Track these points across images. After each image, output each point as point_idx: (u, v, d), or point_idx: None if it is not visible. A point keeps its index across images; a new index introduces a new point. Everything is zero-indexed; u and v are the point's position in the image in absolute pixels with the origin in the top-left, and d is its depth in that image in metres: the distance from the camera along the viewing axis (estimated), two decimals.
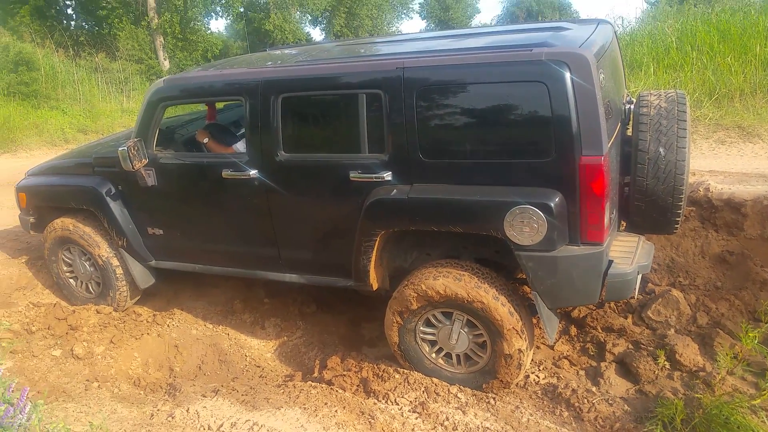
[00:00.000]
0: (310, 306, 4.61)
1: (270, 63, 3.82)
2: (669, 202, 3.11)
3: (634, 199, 3.19)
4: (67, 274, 4.63)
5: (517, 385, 3.39)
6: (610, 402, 3.13)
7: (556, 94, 2.72)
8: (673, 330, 3.59)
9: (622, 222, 3.47)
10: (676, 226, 3.26)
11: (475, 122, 2.99)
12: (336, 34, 25.65)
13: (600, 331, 3.77)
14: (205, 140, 4.05)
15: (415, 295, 3.24)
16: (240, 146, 4.31)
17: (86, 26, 19.99)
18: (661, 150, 3.05)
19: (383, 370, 3.49)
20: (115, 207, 4.10)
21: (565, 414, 3.12)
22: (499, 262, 3.36)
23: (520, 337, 3.10)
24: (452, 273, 3.19)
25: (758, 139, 6.05)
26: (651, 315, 3.72)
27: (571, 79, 2.70)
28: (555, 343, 3.77)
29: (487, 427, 2.98)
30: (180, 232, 4.06)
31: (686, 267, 4.02)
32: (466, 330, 3.26)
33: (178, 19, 17.56)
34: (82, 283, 4.61)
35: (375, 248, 3.29)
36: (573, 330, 3.86)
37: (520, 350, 3.12)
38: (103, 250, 4.29)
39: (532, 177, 2.87)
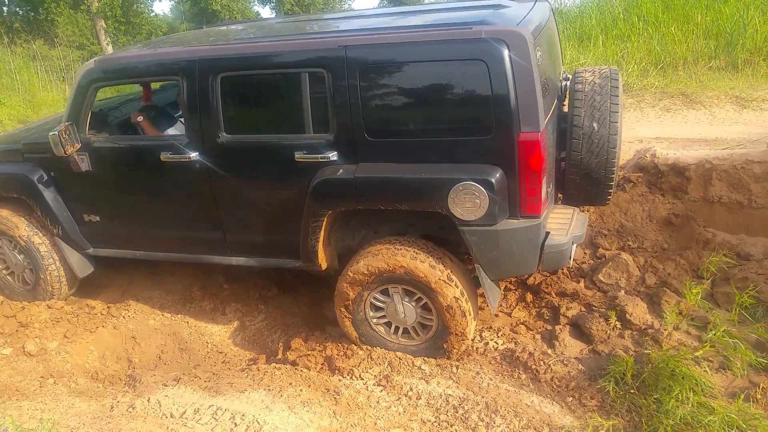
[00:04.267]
0: (271, 289, 4.57)
1: (210, 40, 3.70)
2: (602, 174, 3.23)
3: (570, 173, 3.29)
4: (4, 271, 4.42)
5: (477, 351, 3.47)
6: (565, 363, 3.25)
7: (495, 71, 2.75)
8: (623, 291, 3.73)
9: (559, 195, 3.57)
10: (609, 197, 3.39)
11: (417, 101, 2.99)
12: (286, 13, 25.05)
13: (554, 296, 3.89)
14: (140, 119, 3.91)
15: (348, 284, 3.30)
16: (178, 128, 4.18)
17: (20, 12, 18.92)
18: (595, 125, 3.15)
19: (347, 348, 3.52)
20: (48, 194, 3.93)
21: (523, 376, 3.22)
22: (444, 237, 3.40)
23: (450, 285, 3.14)
24: (371, 251, 3.26)
25: (700, 106, 6.28)
26: (602, 278, 3.86)
27: (510, 57, 2.72)
28: (512, 310, 3.88)
29: (450, 394, 3.06)
30: (118, 219, 3.93)
31: (635, 231, 4.18)
32: (407, 300, 3.31)
33: (120, 2, 16.85)
34: (17, 276, 4.41)
35: (323, 228, 3.29)
36: (529, 296, 3.97)
37: (456, 298, 3.16)
38: (22, 230, 4.10)
39: (473, 154, 2.91)
